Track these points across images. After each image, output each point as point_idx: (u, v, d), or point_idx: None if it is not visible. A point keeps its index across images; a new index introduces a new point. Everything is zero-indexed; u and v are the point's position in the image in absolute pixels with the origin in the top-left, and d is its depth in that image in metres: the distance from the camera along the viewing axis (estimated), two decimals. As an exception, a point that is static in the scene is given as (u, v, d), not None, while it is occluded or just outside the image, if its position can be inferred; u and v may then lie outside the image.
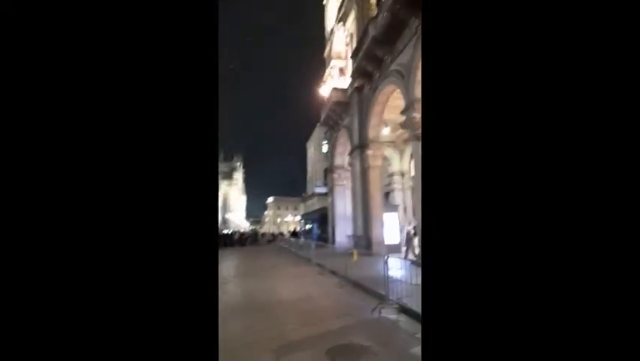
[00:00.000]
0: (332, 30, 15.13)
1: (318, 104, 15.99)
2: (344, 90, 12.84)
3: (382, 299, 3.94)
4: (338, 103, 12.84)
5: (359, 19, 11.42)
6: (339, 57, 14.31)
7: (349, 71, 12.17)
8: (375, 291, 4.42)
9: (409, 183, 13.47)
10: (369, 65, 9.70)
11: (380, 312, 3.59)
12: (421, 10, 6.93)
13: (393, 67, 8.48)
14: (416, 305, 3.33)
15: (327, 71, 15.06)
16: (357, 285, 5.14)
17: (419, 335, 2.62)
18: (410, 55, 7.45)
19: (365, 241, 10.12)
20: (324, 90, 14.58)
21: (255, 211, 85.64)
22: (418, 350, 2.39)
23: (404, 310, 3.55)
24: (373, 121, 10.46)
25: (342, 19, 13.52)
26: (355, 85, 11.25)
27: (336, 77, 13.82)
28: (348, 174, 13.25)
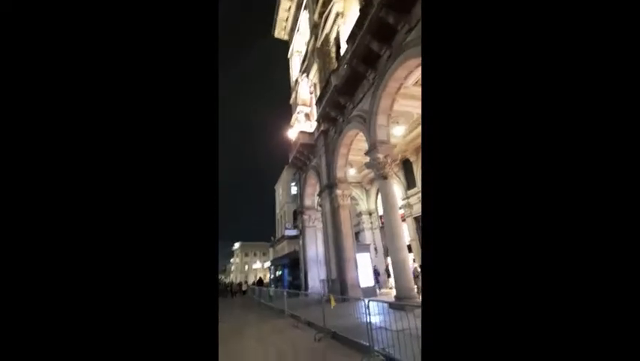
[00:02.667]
0: (297, 80, 16.23)
1: (285, 147, 16.34)
2: (311, 133, 13.35)
3: (366, 352, 3.60)
4: (305, 145, 13.21)
5: (321, 71, 12.46)
6: (304, 104, 15.16)
7: (314, 116, 12.83)
8: (357, 342, 4.06)
9: (377, 223, 13.67)
10: (333, 111, 10.33)
11: (365, 368, 3.24)
12: (375, 64, 7.79)
13: (355, 112, 9.12)
14: (400, 355, 3.08)
15: (294, 116, 15.75)
16: (337, 337, 4.71)
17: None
18: (369, 102, 8.11)
19: (339, 285, 9.67)
20: (292, 133, 15.05)
21: (219, 259, 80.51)
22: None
23: (390, 362, 3.25)
24: (340, 162, 10.82)
25: (305, 70, 14.66)
26: (321, 128, 11.79)
27: (302, 122, 14.44)
28: (319, 215, 13.12)
